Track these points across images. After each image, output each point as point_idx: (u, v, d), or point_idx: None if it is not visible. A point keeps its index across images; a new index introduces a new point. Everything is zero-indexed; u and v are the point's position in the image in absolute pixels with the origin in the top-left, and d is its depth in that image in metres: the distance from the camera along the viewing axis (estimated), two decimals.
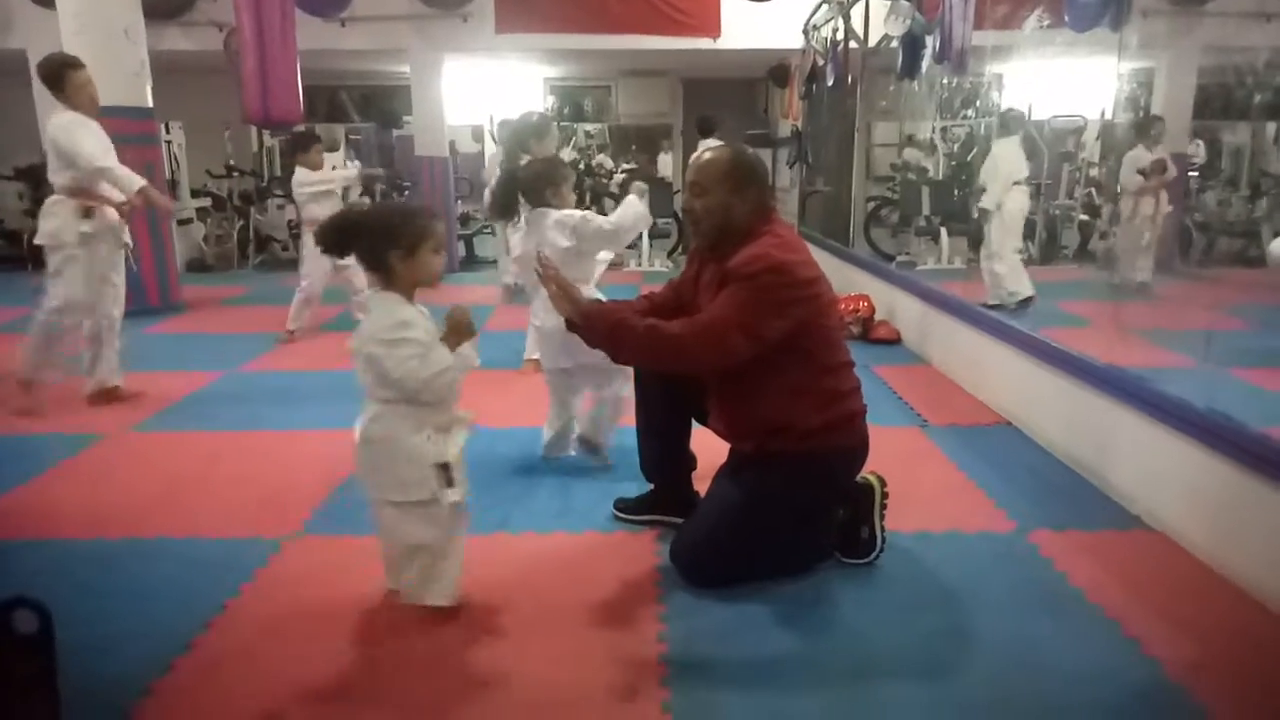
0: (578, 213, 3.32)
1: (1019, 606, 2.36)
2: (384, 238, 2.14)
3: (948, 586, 2.48)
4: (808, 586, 2.47)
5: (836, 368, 2.50)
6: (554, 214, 3.29)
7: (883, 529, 2.59)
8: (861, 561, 2.57)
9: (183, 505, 3.06)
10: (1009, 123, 6.55)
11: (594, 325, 2.38)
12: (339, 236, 2.19)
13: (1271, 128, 8.50)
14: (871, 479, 2.61)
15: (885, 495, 2.61)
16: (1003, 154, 6.31)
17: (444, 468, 2.18)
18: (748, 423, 2.50)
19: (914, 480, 3.20)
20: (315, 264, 5.57)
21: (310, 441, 3.73)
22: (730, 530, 2.46)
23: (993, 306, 5.66)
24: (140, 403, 4.25)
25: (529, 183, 3.39)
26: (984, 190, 6.32)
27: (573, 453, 3.42)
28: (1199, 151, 7.60)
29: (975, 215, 6.54)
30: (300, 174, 5.72)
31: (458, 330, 2.19)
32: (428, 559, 2.27)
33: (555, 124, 4.87)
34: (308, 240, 5.68)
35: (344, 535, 2.80)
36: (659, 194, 10.10)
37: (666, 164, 12.04)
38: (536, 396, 4.29)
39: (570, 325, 2.44)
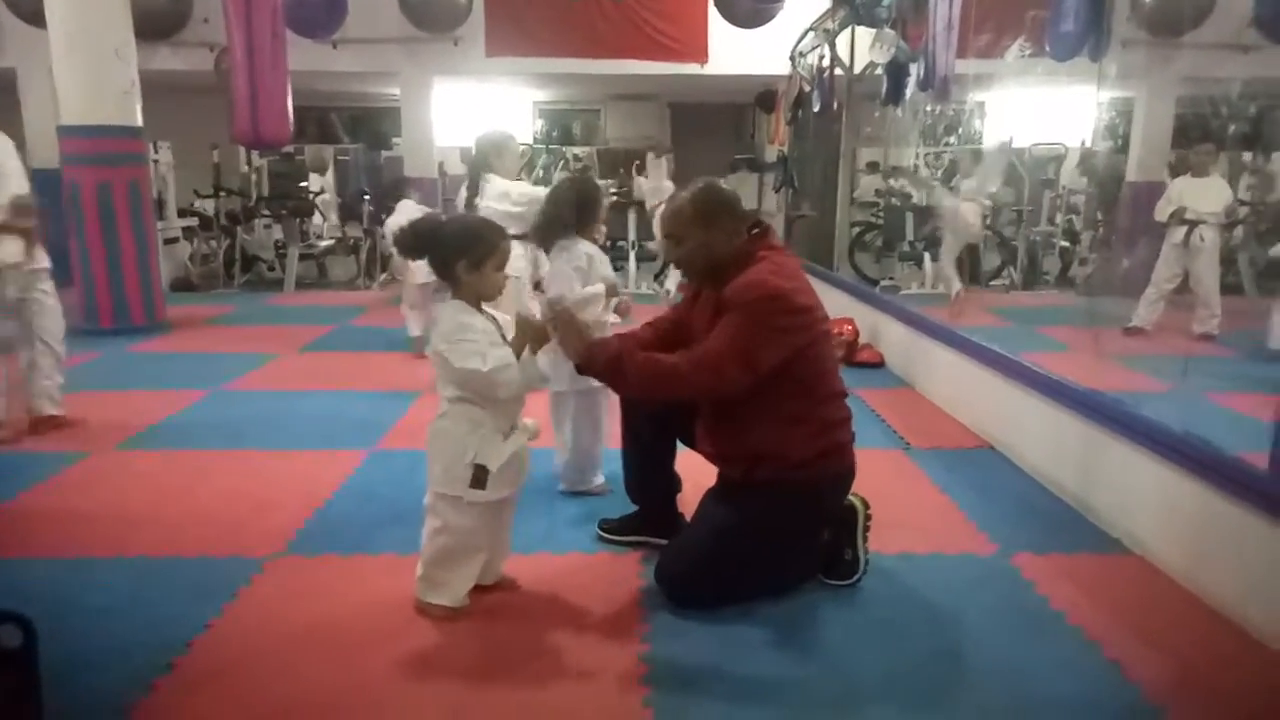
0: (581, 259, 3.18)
1: (1001, 629, 2.38)
2: (453, 249, 2.28)
3: (931, 609, 2.49)
4: (791, 608, 2.48)
5: (829, 397, 2.50)
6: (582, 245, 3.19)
7: (866, 551, 2.61)
8: (844, 583, 2.59)
9: (166, 523, 3.04)
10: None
11: (594, 360, 2.37)
12: (416, 242, 2.35)
13: (1247, 157, 8.65)
14: (855, 501, 2.63)
15: (869, 517, 2.63)
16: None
17: (480, 469, 2.27)
18: (738, 449, 2.49)
19: (897, 503, 3.22)
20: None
21: (294, 461, 3.72)
22: (717, 553, 2.47)
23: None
24: (124, 421, 4.23)
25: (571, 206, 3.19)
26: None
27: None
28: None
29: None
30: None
31: (524, 333, 2.31)
32: (444, 547, 2.35)
33: (514, 139, 4.77)
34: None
35: (327, 555, 2.80)
36: (645, 215, 10.15)
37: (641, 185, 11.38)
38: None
39: (578, 368, 2.44)
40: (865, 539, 2.61)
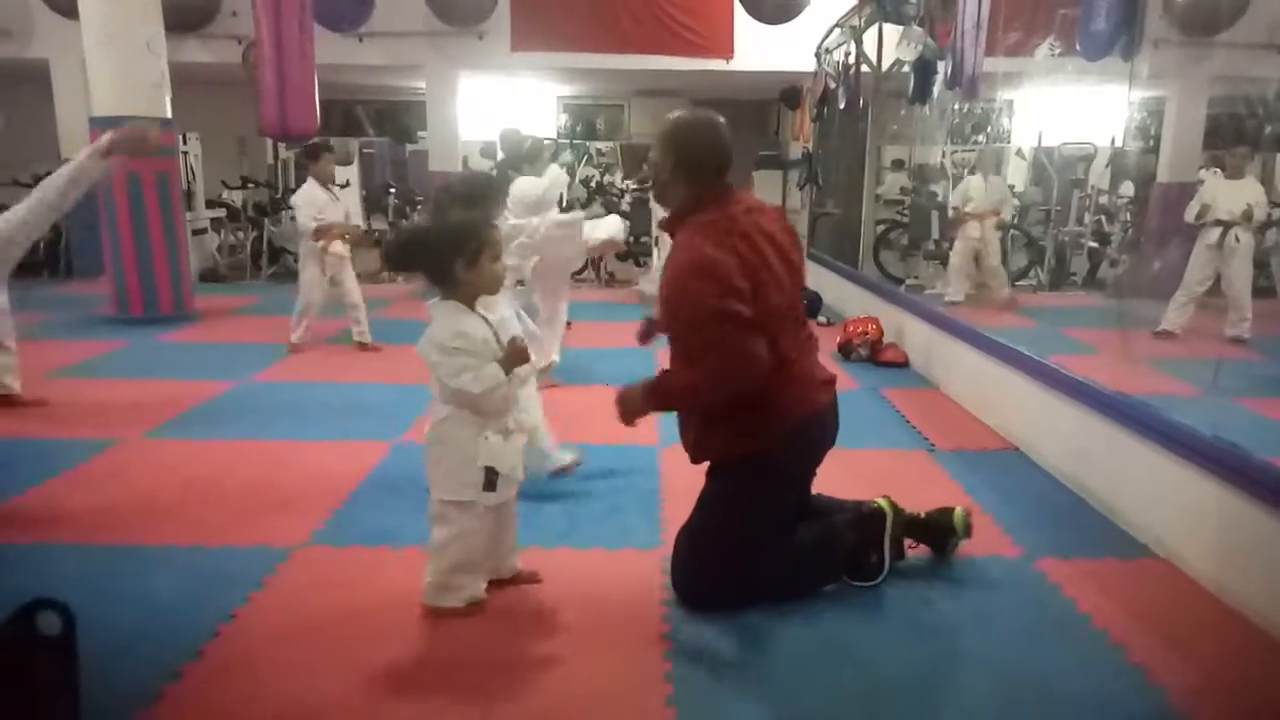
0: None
1: (1025, 632, 2.37)
2: (449, 251, 2.25)
3: (955, 611, 2.49)
4: (815, 608, 2.47)
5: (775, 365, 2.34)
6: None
7: (893, 554, 2.60)
8: (867, 585, 2.58)
9: (194, 512, 3.09)
10: None
11: (648, 406, 2.42)
12: (406, 254, 2.32)
13: None
14: (883, 504, 2.62)
15: (898, 525, 2.61)
16: None
17: (490, 471, 2.27)
18: (687, 427, 2.50)
19: (922, 504, 3.17)
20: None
21: (320, 452, 3.75)
22: (700, 548, 2.47)
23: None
24: (152, 410, 4.29)
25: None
26: None
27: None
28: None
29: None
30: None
31: (515, 358, 2.29)
32: (459, 552, 2.34)
33: (546, 146, 5.09)
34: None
35: (353, 546, 2.83)
36: None
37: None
38: None
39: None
40: (897, 541, 2.60)
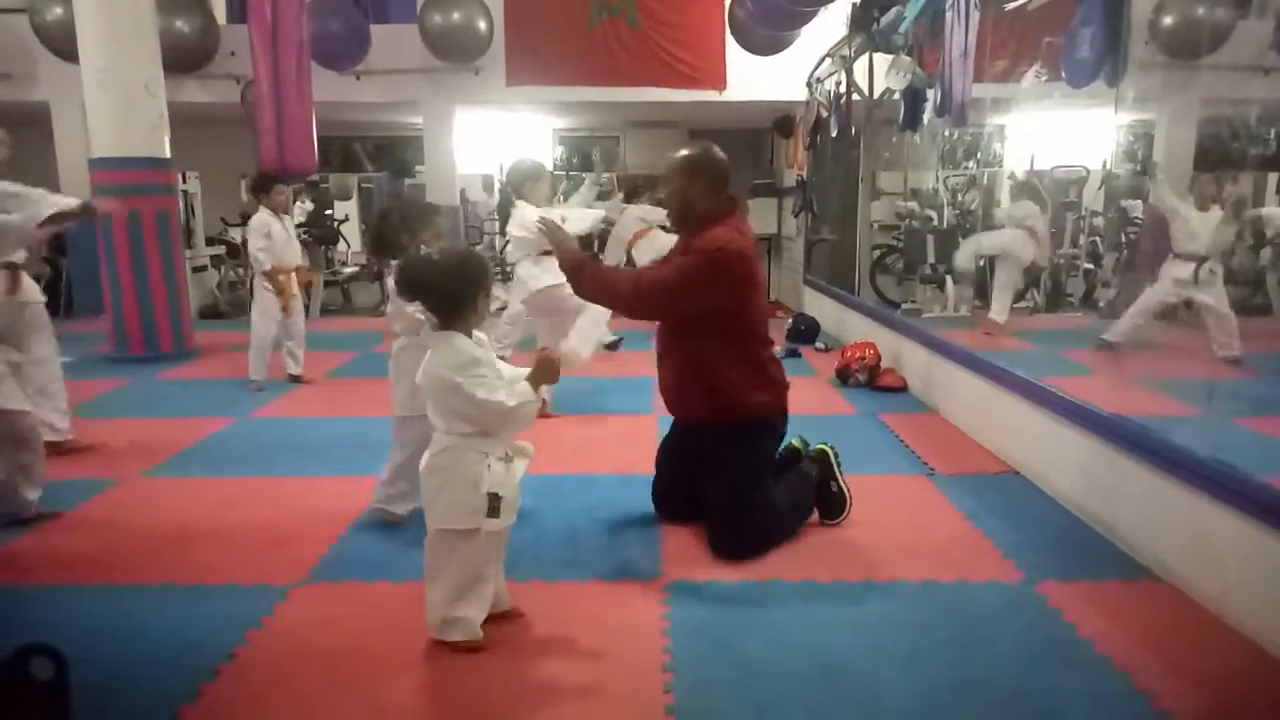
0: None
1: (1028, 657, 2.36)
2: (476, 284, 2.31)
3: (956, 637, 2.47)
4: (816, 635, 2.47)
5: (767, 343, 3.08)
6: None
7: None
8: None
9: (193, 551, 3.08)
10: None
11: (567, 258, 2.94)
12: (437, 281, 2.30)
13: (1274, 178, 8.57)
14: (824, 447, 3.29)
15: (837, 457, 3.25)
16: None
17: (494, 497, 2.28)
18: (697, 391, 3.01)
19: (921, 529, 3.20)
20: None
21: (320, 488, 3.75)
22: (739, 501, 2.97)
23: None
24: (152, 449, 4.28)
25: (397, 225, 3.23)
26: None
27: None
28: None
29: None
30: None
31: (545, 372, 2.34)
32: (457, 583, 2.35)
33: (546, 169, 5.01)
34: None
35: (352, 582, 2.82)
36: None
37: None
38: (542, 442, 4.32)
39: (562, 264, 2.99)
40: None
